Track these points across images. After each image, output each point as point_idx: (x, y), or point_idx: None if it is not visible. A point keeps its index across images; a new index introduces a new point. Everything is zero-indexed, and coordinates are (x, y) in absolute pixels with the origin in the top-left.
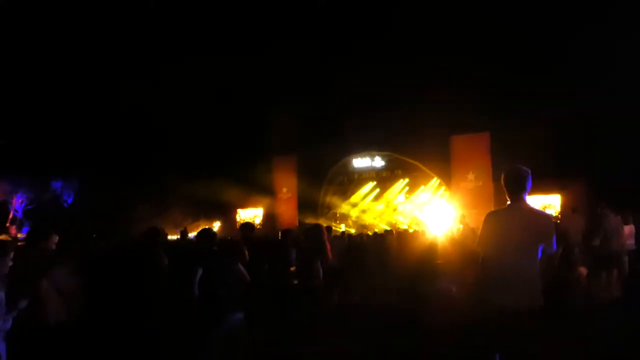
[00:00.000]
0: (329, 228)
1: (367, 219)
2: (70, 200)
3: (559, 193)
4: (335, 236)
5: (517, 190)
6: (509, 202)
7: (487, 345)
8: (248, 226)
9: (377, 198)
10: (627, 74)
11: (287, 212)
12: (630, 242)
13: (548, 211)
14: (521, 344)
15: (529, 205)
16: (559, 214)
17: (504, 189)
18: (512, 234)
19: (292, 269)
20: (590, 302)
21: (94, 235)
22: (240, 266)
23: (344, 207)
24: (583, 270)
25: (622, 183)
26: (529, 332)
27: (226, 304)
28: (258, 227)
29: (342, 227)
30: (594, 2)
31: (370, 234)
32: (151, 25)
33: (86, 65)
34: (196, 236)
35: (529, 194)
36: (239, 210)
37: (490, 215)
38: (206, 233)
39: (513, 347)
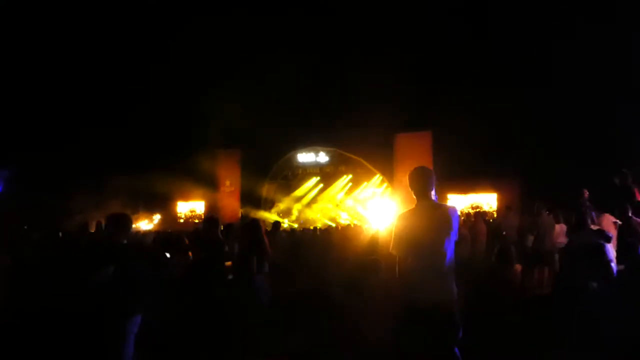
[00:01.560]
0: (277, 223)
1: (310, 214)
2: None
3: (495, 192)
4: (277, 230)
5: (423, 189)
6: (416, 201)
7: (412, 340)
8: (212, 220)
9: (320, 193)
10: (564, 76)
11: (230, 205)
12: (562, 240)
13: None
14: (441, 337)
15: (434, 202)
16: (494, 211)
17: (410, 189)
18: (421, 231)
19: (228, 263)
20: (522, 297)
21: (26, 227)
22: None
23: (288, 202)
24: (518, 267)
25: (555, 183)
26: (447, 324)
27: (129, 306)
28: (199, 220)
29: (285, 222)
30: (533, 3)
31: (312, 228)
32: (89, 13)
33: (18, 51)
34: (107, 223)
35: (464, 192)
36: (179, 203)
37: (399, 217)
38: (120, 219)
39: (435, 340)
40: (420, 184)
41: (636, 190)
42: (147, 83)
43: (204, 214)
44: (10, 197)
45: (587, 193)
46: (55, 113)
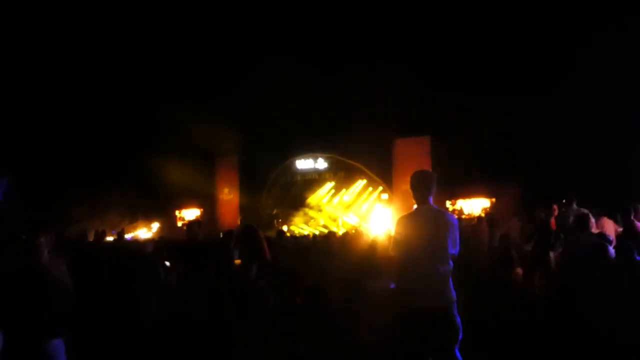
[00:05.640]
0: (281, 231)
1: (310, 221)
2: None
3: (494, 197)
4: (280, 237)
5: (424, 193)
6: (415, 206)
7: (412, 345)
8: (195, 224)
9: (320, 199)
10: (565, 81)
11: (229, 213)
12: None
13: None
14: (442, 339)
15: (434, 207)
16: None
17: (412, 192)
18: (422, 235)
19: (238, 261)
20: (523, 300)
21: (24, 237)
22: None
23: (287, 209)
24: (519, 270)
25: (554, 188)
26: (447, 327)
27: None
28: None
29: (285, 228)
30: (525, 13)
31: (312, 234)
32: (90, 29)
33: (17, 61)
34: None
35: (464, 197)
36: (179, 211)
37: (400, 220)
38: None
39: (435, 343)
40: (422, 188)
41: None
42: (146, 93)
43: (200, 219)
44: (8, 207)
45: (557, 209)
46: (53, 121)
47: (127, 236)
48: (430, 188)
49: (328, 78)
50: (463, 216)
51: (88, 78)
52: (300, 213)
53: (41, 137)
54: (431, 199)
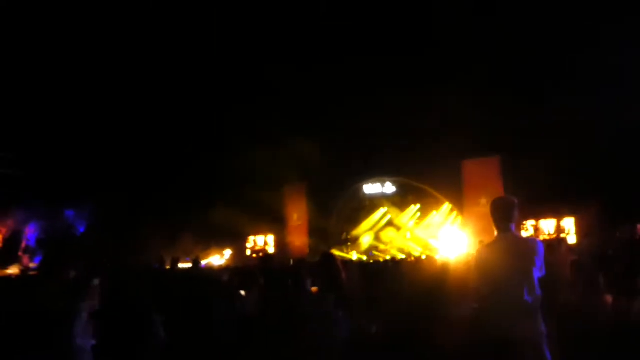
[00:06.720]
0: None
1: (380, 246)
2: (82, 229)
3: (572, 216)
4: (349, 263)
5: (504, 220)
6: (496, 233)
7: None
8: (267, 257)
9: (389, 224)
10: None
11: (298, 239)
12: None
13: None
14: None
15: (517, 234)
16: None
17: (492, 219)
18: (506, 264)
19: (314, 289)
20: (615, 329)
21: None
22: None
23: (356, 234)
24: (608, 298)
25: (636, 204)
26: None
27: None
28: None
29: (354, 255)
30: (607, 32)
31: (382, 260)
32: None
33: (98, 93)
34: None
35: (540, 217)
36: (250, 238)
37: (481, 249)
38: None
39: None
40: (502, 215)
41: None
42: (219, 124)
43: (275, 248)
44: (92, 235)
45: None
46: (127, 151)
47: (201, 263)
48: (512, 215)
49: (393, 100)
50: (541, 237)
51: (167, 110)
52: (370, 238)
53: (118, 167)
54: (513, 226)
